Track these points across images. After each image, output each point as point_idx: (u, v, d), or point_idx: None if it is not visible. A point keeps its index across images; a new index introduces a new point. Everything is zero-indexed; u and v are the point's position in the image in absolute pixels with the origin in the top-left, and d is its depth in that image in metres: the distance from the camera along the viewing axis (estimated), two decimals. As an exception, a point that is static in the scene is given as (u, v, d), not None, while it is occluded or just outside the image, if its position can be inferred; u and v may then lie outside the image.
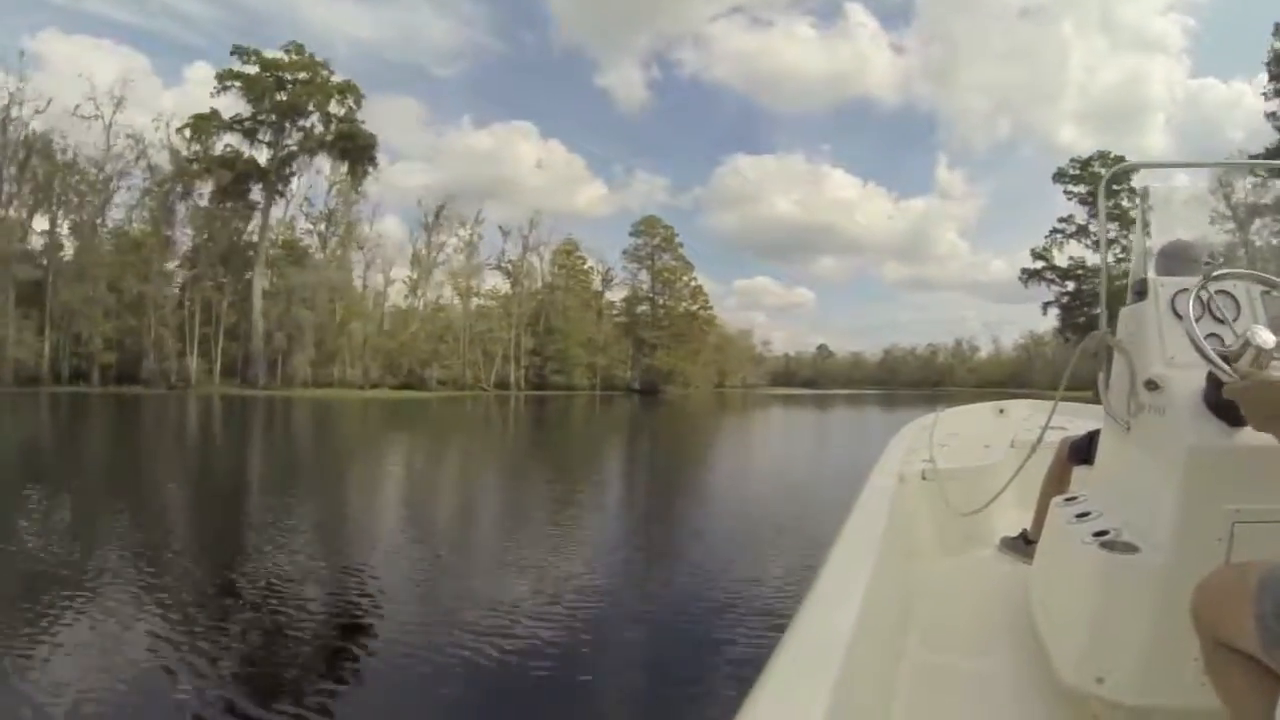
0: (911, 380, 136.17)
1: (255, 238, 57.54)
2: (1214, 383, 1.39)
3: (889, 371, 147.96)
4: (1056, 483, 2.51)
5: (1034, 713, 1.58)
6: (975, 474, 2.97)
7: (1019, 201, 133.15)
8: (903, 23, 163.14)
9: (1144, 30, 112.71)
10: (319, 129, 58.58)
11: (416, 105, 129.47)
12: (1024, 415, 4.76)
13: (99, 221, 51.67)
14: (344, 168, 59.90)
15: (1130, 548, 1.47)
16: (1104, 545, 1.51)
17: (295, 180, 59.66)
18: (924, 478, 2.85)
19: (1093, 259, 56.94)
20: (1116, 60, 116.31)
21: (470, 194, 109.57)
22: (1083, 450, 2.42)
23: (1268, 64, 40.02)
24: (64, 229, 50.85)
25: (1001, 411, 5.01)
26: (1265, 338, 1.26)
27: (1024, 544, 2.60)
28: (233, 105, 56.25)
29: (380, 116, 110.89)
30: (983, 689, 1.73)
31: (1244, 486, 1.38)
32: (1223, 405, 1.38)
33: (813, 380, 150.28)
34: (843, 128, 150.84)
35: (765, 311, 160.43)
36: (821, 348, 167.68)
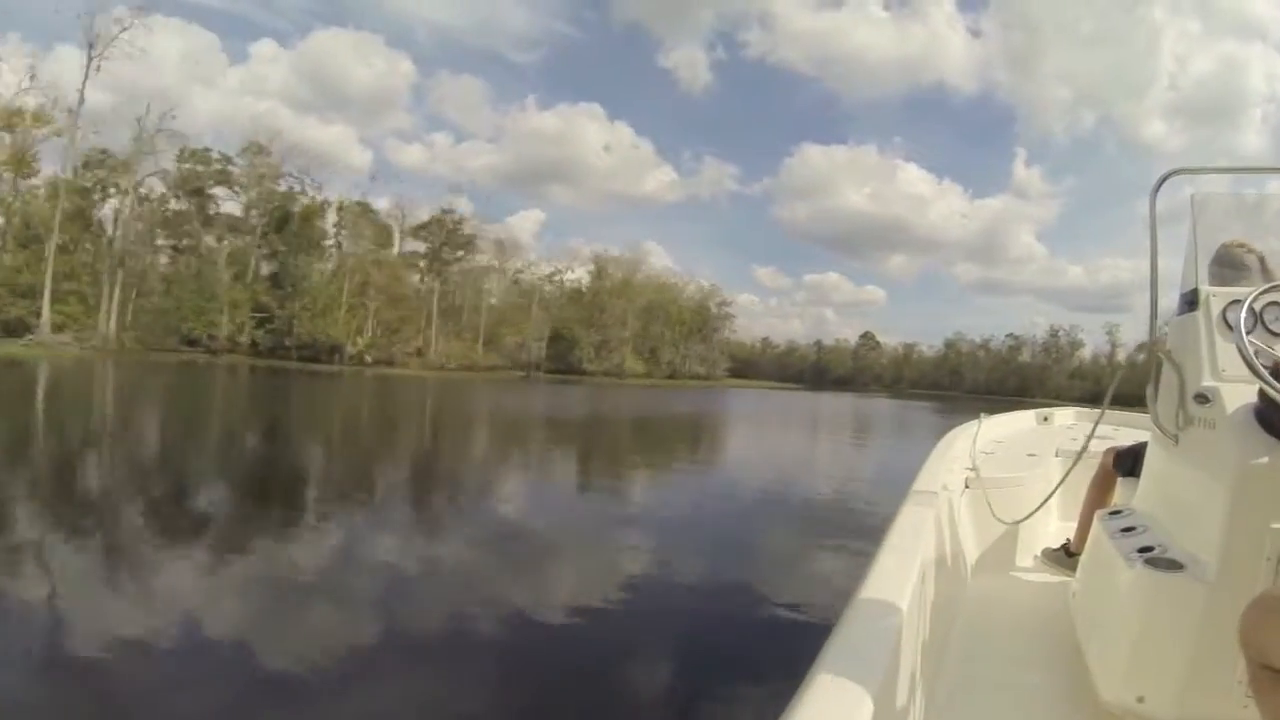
0: (981, 385, 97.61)
1: None
2: (1266, 398, 1.36)
3: (951, 372, 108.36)
4: (1100, 494, 2.48)
5: None
6: (1019, 483, 2.91)
7: (1100, 204, 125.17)
8: (980, 3, 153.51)
9: (1243, 15, 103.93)
10: None
11: (488, 87, 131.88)
12: (1069, 423, 4.92)
13: None
14: None
15: (1175, 565, 1.44)
16: (1149, 562, 1.47)
17: None
18: (967, 486, 2.79)
19: None
20: (1211, 47, 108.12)
21: (538, 175, 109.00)
22: (1128, 462, 2.37)
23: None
24: None
25: (1046, 419, 4.98)
26: None
27: (1066, 556, 2.57)
28: None
29: (453, 98, 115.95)
30: (1022, 704, 1.72)
31: None
32: (1276, 422, 1.36)
33: (847, 378, 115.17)
34: (916, 118, 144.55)
35: (834, 308, 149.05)
36: (866, 336, 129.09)
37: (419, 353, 50.77)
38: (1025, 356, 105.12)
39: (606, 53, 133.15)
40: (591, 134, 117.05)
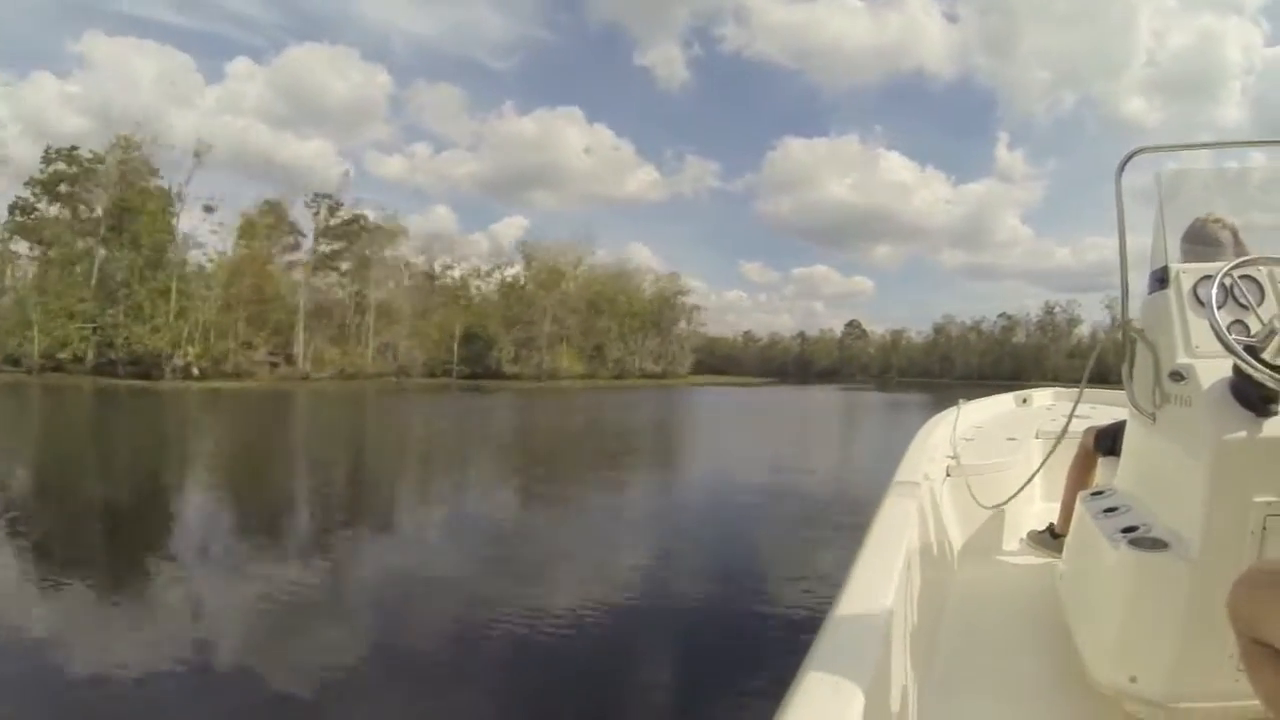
0: (974, 370, 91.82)
1: None
2: (1240, 373, 1.37)
3: (941, 358, 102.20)
4: (1082, 474, 2.48)
5: (1067, 712, 1.58)
6: (1000, 468, 2.91)
7: (1084, 184, 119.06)
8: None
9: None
10: None
11: (466, 95, 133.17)
12: (1048, 404, 4.90)
13: None
14: None
15: (1160, 544, 1.44)
16: (1133, 543, 1.47)
17: None
18: (948, 474, 2.79)
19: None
20: (1188, 22, 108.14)
21: (520, 181, 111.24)
22: (1108, 441, 2.36)
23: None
24: None
25: (1024, 401, 4.95)
26: None
27: (1051, 538, 2.56)
28: None
29: (431, 107, 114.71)
30: (1015, 688, 1.73)
31: (1276, 480, 1.34)
32: (1251, 396, 1.36)
33: (833, 369, 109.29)
34: (897, 107, 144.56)
35: (823, 300, 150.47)
36: (851, 325, 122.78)
37: (288, 360, 43.63)
38: (1020, 337, 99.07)
39: (582, 54, 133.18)
40: (571, 137, 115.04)
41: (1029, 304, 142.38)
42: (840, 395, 46.41)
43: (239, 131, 74.95)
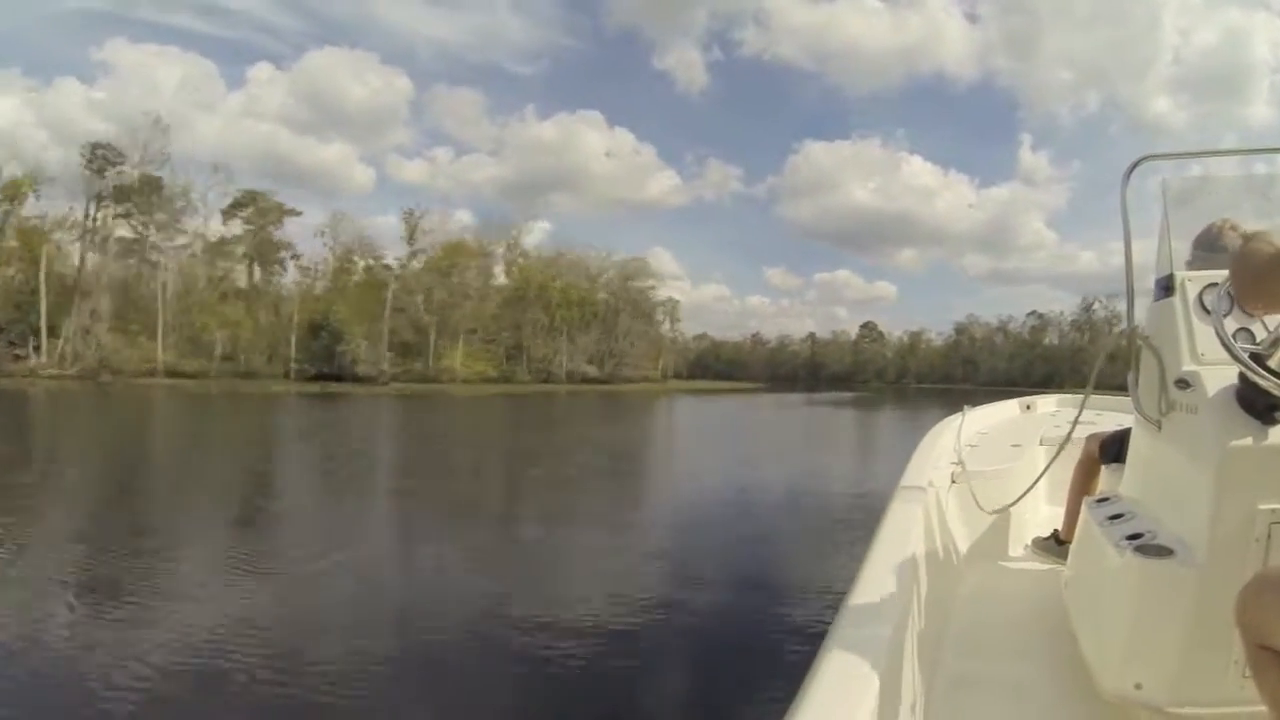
0: (1001, 375, 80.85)
1: None
2: (1246, 380, 1.39)
3: (964, 362, 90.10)
4: (1086, 481, 2.48)
5: (1072, 718, 1.61)
6: (1005, 474, 2.93)
7: (1109, 186, 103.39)
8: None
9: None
10: None
11: (486, 99, 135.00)
12: (1052, 411, 4.85)
13: None
14: None
15: (1165, 551, 1.45)
16: (1138, 550, 1.48)
17: None
18: (953, 480, 2.81)
19: None
20: (1214, 19, 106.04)
21: (541, 185, 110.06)
22: (1113, 448, 2.37)
23: None
24: None
25: (1029, 407, 4.97)
26: None
27: (1056, 544, 2.59)
28: None
29: (452, 112, 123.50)
30: (1020, 696, 1.75)
31: None
32: (1257, 404, 1.38)
33: (845, 375, 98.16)
34: (918, 109, 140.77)
35: (846, 306, 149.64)
36: (867, 327, 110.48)
37: (38, 351, 36.61)
38: (1052, 339, 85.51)
39: (601, 58, 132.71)
40: (592, 141, 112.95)
41: (1053, 309, 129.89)
42: (832, 411, 35.10)
43: (262, 137, 78.20)
